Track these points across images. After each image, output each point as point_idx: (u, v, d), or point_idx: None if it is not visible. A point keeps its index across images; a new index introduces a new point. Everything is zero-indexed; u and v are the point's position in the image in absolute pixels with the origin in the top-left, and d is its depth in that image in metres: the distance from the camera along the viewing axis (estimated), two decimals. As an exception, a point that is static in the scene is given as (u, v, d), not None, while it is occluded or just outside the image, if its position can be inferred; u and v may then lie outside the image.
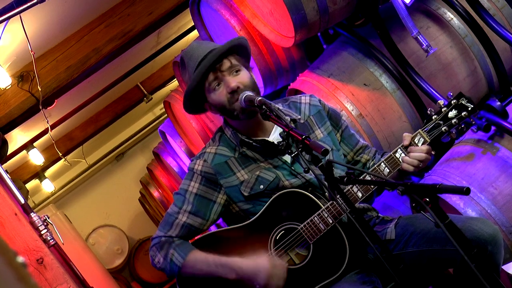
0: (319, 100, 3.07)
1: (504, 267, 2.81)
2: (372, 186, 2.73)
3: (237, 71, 2.78)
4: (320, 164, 2.30)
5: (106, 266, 10.60)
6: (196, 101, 2.91)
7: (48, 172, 9.66)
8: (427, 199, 2.12)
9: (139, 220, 11.68)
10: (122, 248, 11.60)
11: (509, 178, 3.32)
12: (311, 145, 2.29)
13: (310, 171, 2.42)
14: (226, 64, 2.76)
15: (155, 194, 9.30)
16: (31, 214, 3.22)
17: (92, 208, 11.59)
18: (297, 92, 4.09)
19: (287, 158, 2.86)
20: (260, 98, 2.61)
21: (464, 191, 2.01)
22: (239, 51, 2.85)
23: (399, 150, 2.79)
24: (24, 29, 4.59)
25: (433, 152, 2.80)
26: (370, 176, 2.74)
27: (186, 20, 6.82)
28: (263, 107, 2.58)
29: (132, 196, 11.22)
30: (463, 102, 2.77)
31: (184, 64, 2.88)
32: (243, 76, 2.79)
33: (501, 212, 3.28)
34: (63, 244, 3.78)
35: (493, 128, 3.38)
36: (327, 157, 2.32)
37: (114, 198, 11.70)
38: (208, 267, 2.76)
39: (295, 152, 2.80)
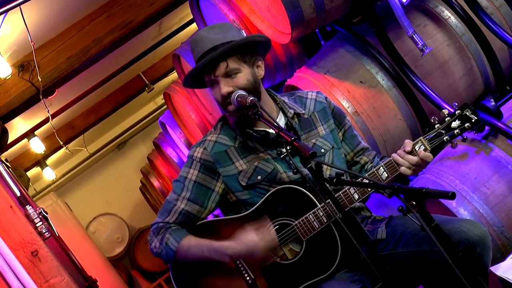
0: (326, 98, 3.07)
1: (492, 268, 2.82)
2: (369, 189, 2.74)
3: (234, 74, 2.77)
4: (309, 166, 2.32)
5: (106, 254, 10.65)
6: (196, 82, 2.95)
7: (49, 160, 9.69)
8: (414, 203, 2.15)
9: (139, 208, 11.71)
10: (122, 236, 11.65)
11: (501, 178, 3.34)
12: (300, 147, 2.32)
13: (299, 172, 2.45)
14: (221, 68, 2.75)
15: (156, 183, 9.33)
16: (26, 206, 3.24)
17: (93, 197, 11.63)
18: (293, 88, 4.10)
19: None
20: (252, 98, 2.62)
21: (449, 196, 2.03)
22: (242, 50, 2.80)
23: None
24: (24, 20, 4.60)
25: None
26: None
27: (188, 11, 6.79)
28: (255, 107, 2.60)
29: (133, 185, 11.25)
30: (467, 113, 2.73)
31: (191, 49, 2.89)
32: (240, 79, 2.77)
33: (493, 212, 3.30)
34: (58, 236, 3.80)
35: (487, 128, 3.40)
36: (316, 159, 2.33)
37: (115, 187, 11.73)
38: (201, 253, 2.79)
39: (285, 153, 2.81)
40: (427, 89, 3.64)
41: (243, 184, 2.86)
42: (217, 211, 3.19)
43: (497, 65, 3.88)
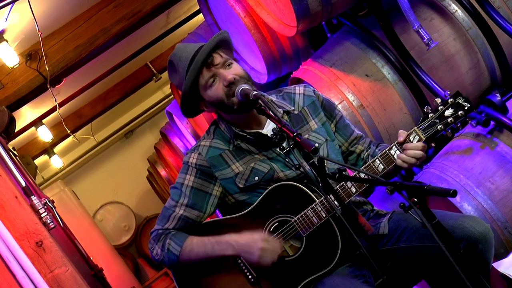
0: (314, 91, 3.06)
1: (495, 265, 2.82)
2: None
3: (229, 64, 2.79)
4: (311, 161, 2.33)
5: (113, 243, 10.72)
6: (191, 102, 2.91)
7: (57, 148, 9.74)
8: (415, 199, 2.15)
9: (146, 197, 11.76)
10: (129, 225, 11.69)
11: (506, 173, 3.33)
12: (302, 143, 2.32)
13: (302, 167, 2.45)
14: (217, 58, 2.77)
15: (162, 173, 9.36)
16: (31, 197, 3.25)
17: (100, 185, 11.68)
18: (299, 81, 4.10)
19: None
20: (255, 93, 2.62)
21: (450, 193, 2.03)
22: (225, 45, 2.85)
23: (394, 147, 2.78)
24: (32, 10, 4.61)
25: (433, 144, 2.80)
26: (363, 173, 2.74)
27: (195, 1, 6.82)
28: (259, 101, 2.60)
29: (140, 173, 11.29)
30: (459, 101, 2.74)
31: (174, 67, 2.88)
32: (237, 68, 2.79)
33: (497, 207, 3.30)
34: (64, 225, 3.82)
35: (492, 122, 3.39)
36: (318, 154, 2.33)
37: (122, 175, 11.77)
38: (205, 249, 2.80)
39: (287, 148, 2.82)
40: (433, 83, 3.63)
41: (241, 186, 2.86)
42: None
43: (504, 59, 3.85)
